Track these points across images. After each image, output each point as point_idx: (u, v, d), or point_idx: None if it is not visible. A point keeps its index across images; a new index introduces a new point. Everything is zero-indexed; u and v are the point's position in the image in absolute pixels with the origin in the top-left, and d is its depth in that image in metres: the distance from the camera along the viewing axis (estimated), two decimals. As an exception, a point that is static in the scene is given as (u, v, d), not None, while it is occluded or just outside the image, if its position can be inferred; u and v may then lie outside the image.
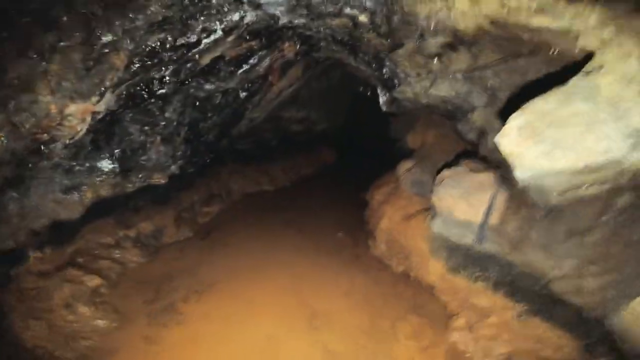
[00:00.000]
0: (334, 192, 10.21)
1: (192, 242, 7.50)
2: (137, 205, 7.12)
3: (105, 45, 3.85)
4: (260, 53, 6.15)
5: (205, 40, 4.95)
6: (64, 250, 6.03)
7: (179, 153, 6.77)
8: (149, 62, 4.50)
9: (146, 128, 5.95)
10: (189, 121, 6.54)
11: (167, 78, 5.14)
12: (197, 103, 6.36)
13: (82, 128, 4.27)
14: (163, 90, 5.23)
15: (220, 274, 6.37)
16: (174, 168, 6.98)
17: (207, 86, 6.04)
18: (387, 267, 6.88)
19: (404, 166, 7.53)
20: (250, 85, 7.25)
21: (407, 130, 8.56)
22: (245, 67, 6.21)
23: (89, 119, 4.22)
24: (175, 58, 4.80)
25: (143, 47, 4.22)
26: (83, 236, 6.36)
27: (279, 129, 10.36)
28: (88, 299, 5.46)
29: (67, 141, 4.39)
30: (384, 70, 6.36)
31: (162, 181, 6.89)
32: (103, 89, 4.06)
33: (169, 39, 4.46)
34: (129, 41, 4.00)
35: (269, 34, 5.88)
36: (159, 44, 4.39)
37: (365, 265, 6.95)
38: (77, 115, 4.03)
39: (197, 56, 5.24)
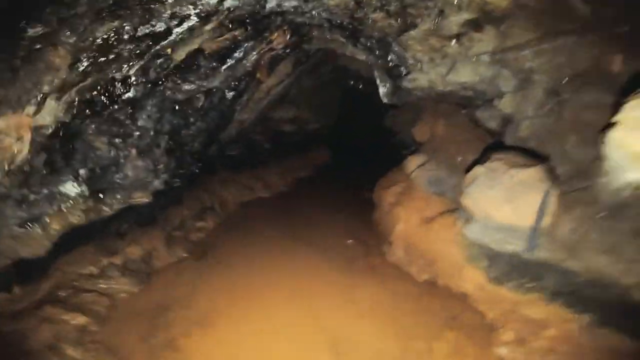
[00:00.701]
0: (333, 194, 9.15)
1: (188, 264, 6.38)
2: (120, 229, 5.96)
3: (35, 39, 2.70)
4: (246, 45, 5.03)
5: (176, 30, 3.83)
6: (39, 287, 4.94)
7: (161, 166, 5.63)
8: (103, 59, 3.36)
9: (116, 141, 4.81)
10: (169, 129, 5.40)
11: (133, 78, 4.02)
12: (177, 107, 5.24)
13: (22, 148, 3.13)
14: (130, 94, 4.11)
15: (223, 300, 5.30)
16: (157, 184, 5.84)
17: (186, 86, 4.91)
18: (408, 276, 5.88)
19: (414, 162, 6.49)
20: (236, 83, 6.13)
21: (410, 122, 7.52)
22: (229, 62, 5.09)
23: (28, 135, 3.08)
24: (139, 53, 3.67)
25: (91, 39, 3.09)
26: (59, 268, 5.27)
27: (270, 130, 9.26)
28: (75, 340, 4.43)
29: (7, 167, 3.23)
30: (390, 57, 5.29)
31: (145, 200, 5.74)
32: (41, 95, 2.93)
33: (127, 28, 3.34)
34: (69, 33, 2.86)
35: (254, 21, 4.77)
36: (113, 35, 3.24)
37: (383, 275, 5.94)
38: (10, 132, 2.89)
39: (168, 50, 4.12)
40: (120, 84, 3.87)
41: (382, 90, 7.12)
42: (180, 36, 3.91)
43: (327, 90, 11.34)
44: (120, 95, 4.05)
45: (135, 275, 5.78)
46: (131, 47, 3.50)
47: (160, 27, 3.61)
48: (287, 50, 6.58)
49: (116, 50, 3.39)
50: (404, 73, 5.41)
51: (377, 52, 5.31)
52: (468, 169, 4.65)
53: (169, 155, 5.69)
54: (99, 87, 3.76)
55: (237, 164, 8.38)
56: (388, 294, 5.45)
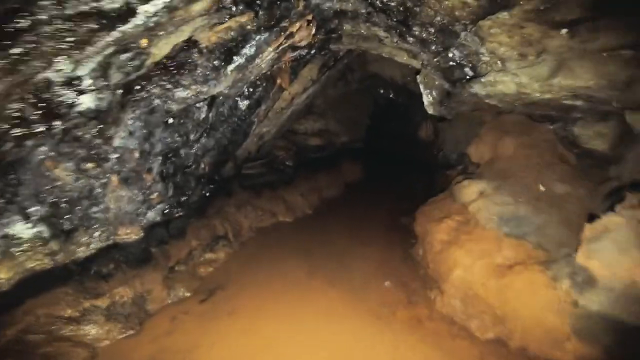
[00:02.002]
0: (364, 219, 7.49)
1: (190, 306, 4.94)
2: (104, 270, 4.56)
3: None
4: (257, 37, 3.55)
5: (143, 8, 2.35)
6: (2, 333, 3.79)
7: (155, 195, 4.20)
8: (27, 58, 1.93)
9: (86, 166, 3.38)
10: (163, 149, 3.95)
11: (89, 82, 2.54)
12: (171, 120, 3.79)
13: None
14: (86, 104, 2.65)
15: (227, 357, 3.99)
16: (151, 215, 4.43)
17: (180, 93, 3.46)
18: (466, 333, 4.36)
19: (474, 189, 4.84)
20: (251, 90, 4.66)
21: (458, 137, 5.85)
22: (237, 60, 3.62)
23: None
24: (78, 41, 2.20)
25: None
26: (30, 311, 4.03)
27: (293, 145, 7.75)
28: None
29: None
30: (452, 54, 3.69)
31: (134, 236, 4.33)
32: None
33: (52, 4, 1.86)
34: None
35: (268, 4, 3.27)
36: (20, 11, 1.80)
37: (433, 333, 4.39)
38: None
39: (142, 42, 2.65)
40: (63, 88, 2.44)
41: (427, 99, 5.54)
42: (153, 19, 2.46)
43: (357, 100, 9.79)
44: (71, 106, 2.63)
45: (123, 321, 4.47)
46: (60, 30, 2.05)
47: (113, 2, 2.16)
48: (312, 51, 5.08)
49: (31, 37, 1.96)
50: (469, 75, 3.80)
51: (433, 47, 3.73)
52: (591, 216, 2.97)
53: (165, 181, 4.24)
54: (32, 95, 2.34)
55: (256, 184, 6.90)
56: (443, 355, 4.01)
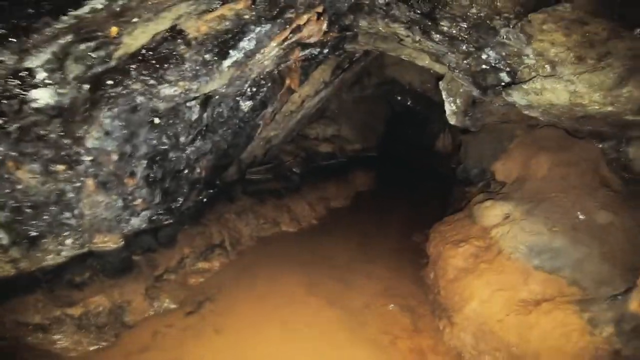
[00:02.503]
0: (373, 234, 6.87)
1: (174, 319, 4.42)
2: (76, 279, 4.09)
3: None
4: (257, 29, 3.00)
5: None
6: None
7: (138, 201, 3.69)
8: None
9: (56, 168, 2.89)
10: (149, 151, 3.43)
11: (43, 75, 2.04)
12: (157, 120, 3.26)
13: None
14: (46, 101, 2.14)
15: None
16: (135, 222, 3.93)
17: (166, 90, 2.94)
18: None
19: (497, 211, 4.23)
20: (254, 89, 4.12)
21: (484, 152, 5.21)
22: (234, 55, 3.08)
23: None
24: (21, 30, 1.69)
25: None
26: None
27: (303, 150, 7.19)
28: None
29: None
30: (486, 55, 3.08)
31: (113, 245, 3.84)
32: None
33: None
34: None
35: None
36: None
37: None
38: None
39: (110, 30, 2.13)
40: (8, 82, 1.93)
41: (450, 107, 4.93)
42: (119, 3, 1.95)
43: (372, 106, 9.19)
44: (23, 102, 2.13)
45: (96, 332, 4.00)
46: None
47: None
48: (325, 51, 4.52)
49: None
50: (506, 81, 3.17)
51: (464, 47, 3.14)
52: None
53: (151, 186, 3.73)
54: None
55: (261, 190, 6.35)
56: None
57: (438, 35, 3.10)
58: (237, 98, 3.93)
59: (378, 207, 7.94)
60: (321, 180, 7.31)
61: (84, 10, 1.83)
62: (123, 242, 3.92)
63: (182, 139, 3.51)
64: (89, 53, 2.21)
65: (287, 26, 3.08)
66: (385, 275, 5.63)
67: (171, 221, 4.48)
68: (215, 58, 2.91)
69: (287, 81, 5.05)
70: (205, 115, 3.50)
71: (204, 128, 3.76)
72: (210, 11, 2.56)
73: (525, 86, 2.92)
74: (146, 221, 4.07)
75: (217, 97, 3.44)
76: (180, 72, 2.82)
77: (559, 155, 4.02)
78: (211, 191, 5.32)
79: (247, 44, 2.97)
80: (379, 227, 7.17)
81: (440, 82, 4.91)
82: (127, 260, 4.34)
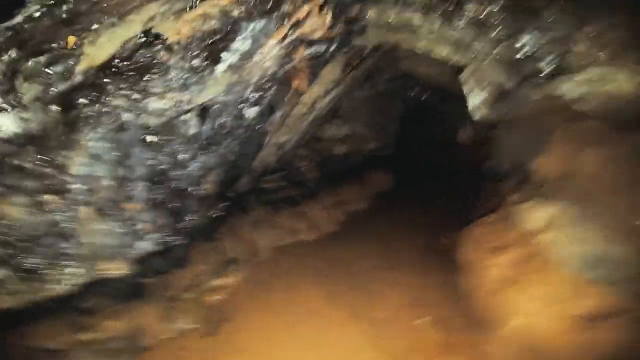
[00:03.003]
0: (396, 237, 6.36)
1: (190, 341, 4.09)
2: (88, 306, 3.82)
3: None
4: (251, 27, 2.58)
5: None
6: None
7: (142, 225, 3.34)
8: None
9: (43, 199, 2.55)
10: (146, 172, 3.06)
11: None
12: (150, 138, 2.88)
13: None
14: (11, 129, 1.79)
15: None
16: (142, 246, 3.57)
17: (153, 103, 2.56)
18: None
19: (542, 214, 3.70)
20: (258, 95, 3.70)
21: (518, 147, 4.61)
22: (228, 58, 2.67)
23: None
24: None
25: None
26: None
27: (317, 154, 6.75)
28: None
29: None
30: (522, 42, 2.57)
31: (119, 271, 3.51)
32: None
33: None
34: None
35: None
36: None
37: None
38: None
39: (59, 39, 1.75)
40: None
41: (474, 100, 4.42)
42: (63, 9, 1.55)
43: (385, 103, 8.64)
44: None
45: (112, 356, 3.76)
46: None
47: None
48: (332, 47, 4.07)
49: None
50: (546, 71, 2.65)
51: (493, 33, 2.62)
52: None
53: (154, 208, 3.37)
54: None
55: (275, 199, 5.95)
56: None
57: (461, 22, 2.61)
58: (240, 105, 3.52)
59: (397, 208, 7.41)
60: (338, 184, 6.85)
61: (17, 20, 1.47)
62: (130, 268, 3.58)
63: (182, 156, 3.13)
64: (42, 69, 1.85)
65: (286, 21, 2.65)
66: (411, 283, 5.15)
67: (182, 241, 4.13)
68: (206, 63, 2.51)
69: (295, 82, 4.61)
70: (205, 127, 3.11)
71: (206, 141, 3.37)
72: (189, 9, 2.17)
73: (577, 77, 2.39)
74: (154, 244, 3.71)
75: (216, 106, 3.04)
76: (166, 83, 2.43)
77: (608, 151, 3.42)
78: (223, 204, 4.96)
79: (241, 44, 2.56)
80: (400, 230, 6.66)
81: (461, 75, 4.38)
82: (138, 285, 4.02)
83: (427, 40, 3.97)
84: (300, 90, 4.69)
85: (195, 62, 2.49)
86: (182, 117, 2.82)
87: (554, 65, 2.58)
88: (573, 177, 3.65)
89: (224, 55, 2.56)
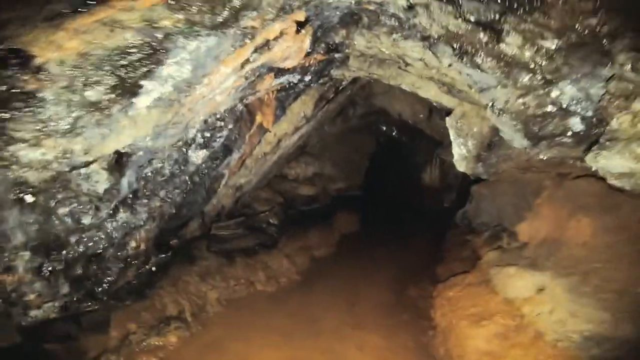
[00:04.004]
0: (362, 288, 5.45)
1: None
2: None
3: None
4: (193, 46, 1.63)
5: None
6: None
7: (32, 296, 2.20)
8: None
9: None
10: (30, 239, 1.95)
11: None
12: (30, 198, 1.81)
13: None
14: None
15: None
16: (38, 314, 2.43)
17: (25, 153, 1.51)
18: None
19: (528, 282, 3.07)
20: (209, 134, 2.72)
21: (502, 207, 3.93)
22: (152, 89, 1.68)
23: None
24: None
25: None
26: None
27: (281, 196, 5.75)
28: None
29: None
30: (558, 92, 1.82)
31: (6, 344, 2.30)
32: None
33: None
34: None
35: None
36: None
37: None
38: None
39: None
40: None
41: (459, 150, 3.70)
42: None
43: (356, 139, 7.91)
44: None
45: None
46: None
47: None
48: (307, 78, 3.22)
49: None
50: (576, 130, 1.91)
51: (527, 78, 1.84)
52: None
53: (49, 278, 2.24)
54: None
55: (230, 247, 4.85)
56: None
57: (489, 60, 1.84)
58: (184, 149, 2.53)
59: (365, 253, 6.54)
60: (302, 228, 5.88)
61: None
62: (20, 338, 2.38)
63: (87, 220, 2.07)
64: None
65: (247, 41, 1.75)
66: (380, 345, 4.22)
67: (97, 306, 2.97)
68: (114, 96, 1.55)
69: (258, 118, 3.70)
70: (125, 182, 2.10)
71: (131, 196, 2.33)
72: (80, 13, 1.21)
73: (616, 148, 1.66)
74: (55, 312, 2.57)
75: (139, 154, 2.05)
76: (40, 124, 1.44)
77: (604, 216, 2.80)
78: (161, 256, 3.84)
79: (175, 70, 1.62)
80: (368, 278, 5.76)
81: (448, 119, 3.68)
82: (37, 354, 2.79)
83: (417, 77, 3.22)
84: (264, 127, 3.77)
85: (91, 93, 1.50)
86: (82, 171, 1.80)
87: (587, 125, 1.88)
88: (563, 244, 2.99)
89: (145, 84, 1.60)
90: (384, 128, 8.03)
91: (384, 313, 4.98)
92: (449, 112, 3.78)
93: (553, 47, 1.60)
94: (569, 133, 1.99)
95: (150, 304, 4.14)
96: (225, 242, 4.70)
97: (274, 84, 3.00)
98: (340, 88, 4.79)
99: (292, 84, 3.35)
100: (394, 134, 8.14)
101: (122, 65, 1.45)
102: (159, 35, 1.46)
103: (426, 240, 7.17)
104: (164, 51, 1.53)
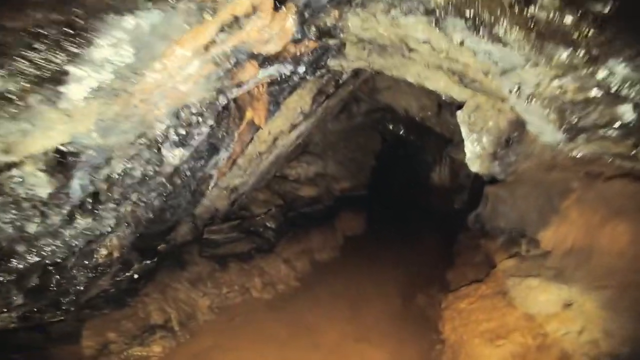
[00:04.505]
0: (366, 295, 5.07)
1: None
2: None
3: None
4: (126, 21, 1.28)
5: None
6: None
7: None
8: None
9: None
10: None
11: None
12: None
13: None
14: None
15: None
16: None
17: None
18: None
19: (553, 297, 2.65)
20: (184, 130, 2.39)
21: (522, 212, 3.51)
22: (83, 76, 1.34)
23: None
24: None
25: None
26: None
27: (280, 198, 5.41)
28: None
29: None
30: (606, 71, 1.42)
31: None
32: None
33: None
34: None
35: None
36: None
37: None
38: None
39: None
40: None
41: (473, 148, 3.35)
42: None
43: (361, 137, 7.52)
44: None
45: None
46: None
47: None
48: (301, 69, 2.87)
49: None
50: (626, 120, 1.52)
51: (566, 54, 1.45)
52: None
53: (4, 287, 1.97)
54: None
55: (224, 252, 4.54)
56: None
57: (515, 30, 1.46)
58: (155, 147, 2.23)
59: (371, 257, 6.15)
60: (303, 230, 5.53)
61: None
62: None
63: (33, 228, 1.78)
64: None
65: (207, 17, 1.42)
66: (384, 358, 3.87)
67: (63, 317, 2.69)
68: (28, 85, 1.23)
69: (248, 114, 3.37)
70: (75, 184, 1.79)
71: (90, 201, 2.03)
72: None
73: None
74: (14, 322, 2.30)
75: (90, 153, 1.73)
76: None
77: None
78: (147, 262, 3.56)
79: (110, 53, 1.28)
80: (373, 284, 5.38)
81: (459, 113, 3.28)
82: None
83: (423, 65, 2.84)
84: (256, 124, 3.44)
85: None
86: (9, 174, 1.50)
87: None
88: (594, 253, 2.57)
89: (74, 71, 1.28)
90: (390, 126, 7.62)
91: (389, 324, 4.60)
92: (460, 105, 3.40)
93: (606, 10, 1.20)
94: (617, 124, 1.60)
95: (132, 312, 3.84)
96: (218, 246, 4.38)
97: (262, 75, 2.67)
98: (341, 82, 4.42)
99: (284, 77, 3.01)
100: (400, 132, 7.71)
101: (34, 49, 1.14)
102: (79, 11, 1.14)
103: (435, 244, 6.75)
104: (91, 30, 1.21)
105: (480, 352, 3.18)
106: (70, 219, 2.00)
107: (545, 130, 1.96)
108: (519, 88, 1.75)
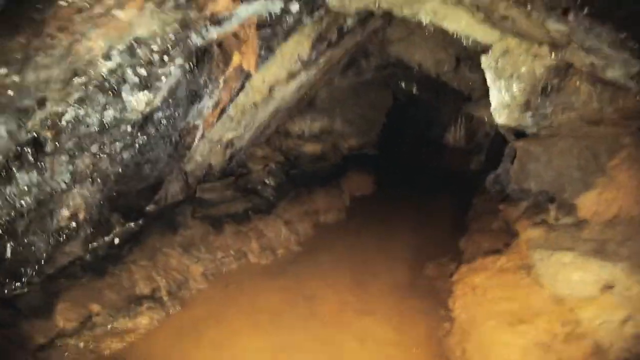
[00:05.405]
0: (372, 262, 4.75)
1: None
2: None
3: None
4: None
5: None
6: None
7: None
8: None
9: None
10: None
11: None
12: None
13: None
14: None
15: None
16: None
17: None
18: None
19: (589, 275, 2.25)
20: (144, 71, 1.95)
21: (560, 172, 3.03)
22: None
23: None
24: None
25: None
26: None
27: (282, 153, 5.01)
28: None
29: None
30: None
31: None
32: None
33: None
34: None
35: None
36: None
37: None
38: None
39: None
40: None
41: (501, 96, 2.92)
42: None
43: (371, 94, 6.92)
44: None
45: None
46: None
47: None
48: (293, 8, 2.35)
49: None
50: None
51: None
52: None
53: None
54: None
55: (219, 213, 4.22)
56: None
57: None
58: (111, 90, 1.82)
59: (379, 220, 5.76)
60: (306, 190, 5.16)
61: None
62: None
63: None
64: None
65: None
66: (388, 338, 3.54)
67: (26, 289, 2.45)
68: None
69: (235, 58, 2.89)
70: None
71: (30, 152, 1.67)
72: None
73: None
74: None
75: (10, 93, 1.33)
76: None
77: None
78: (130, 225, 3.27)
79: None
80: (380, 251, 5.04)
81: (484, 57, 2.77)
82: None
83: (441, 0, 2.30)
84: (245, 69, 2.97)
85: None
86: None
87: None
88: None
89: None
90: (403, 84, 6.95)
91: (395, 296, 4.22)
92: (484, 50, 2.84)
93: None
94: None
95: (116, 281, 3.52)
96: (211, 206, 4.07)
97: (245, 12, 2.18)
98: (346, 30, 3.83)
99: (275, 16, 2.50)
100: (414, 90, 7.05)
101: None
102: None
103: (448, 208, 6.32)
104: None
105: (496, 338, 2.75)
106: (6, 174, 1.66)
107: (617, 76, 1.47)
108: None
